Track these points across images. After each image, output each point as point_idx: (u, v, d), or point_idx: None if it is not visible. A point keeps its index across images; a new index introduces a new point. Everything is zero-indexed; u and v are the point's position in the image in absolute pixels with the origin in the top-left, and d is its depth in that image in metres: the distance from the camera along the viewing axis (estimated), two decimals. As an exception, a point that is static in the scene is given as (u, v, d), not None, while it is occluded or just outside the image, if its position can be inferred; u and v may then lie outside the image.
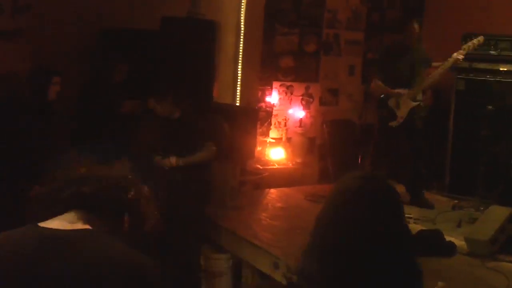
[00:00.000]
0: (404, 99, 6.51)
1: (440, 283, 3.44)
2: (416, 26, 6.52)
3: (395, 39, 7.45)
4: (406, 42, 6.61)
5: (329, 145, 8.35)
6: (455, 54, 6.41)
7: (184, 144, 5.34)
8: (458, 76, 7.14)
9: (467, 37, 7.20)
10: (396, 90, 6.52)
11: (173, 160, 5.28)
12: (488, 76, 6.96)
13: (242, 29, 7.49)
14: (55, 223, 1.67)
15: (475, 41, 6.45)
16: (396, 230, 1.61)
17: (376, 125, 7.10)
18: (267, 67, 7.93)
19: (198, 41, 6.26)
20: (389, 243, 1.58)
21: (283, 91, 8.13)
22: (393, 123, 6.59)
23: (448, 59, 6.47)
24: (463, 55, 6.40)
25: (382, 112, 6.74)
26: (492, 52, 6.99)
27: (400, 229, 1.62)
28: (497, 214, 5.35)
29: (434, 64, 6.66)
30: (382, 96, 6.69)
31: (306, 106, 8.34)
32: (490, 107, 6.31)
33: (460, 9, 8.07)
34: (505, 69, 6.94)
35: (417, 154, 6.68)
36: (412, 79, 6.52)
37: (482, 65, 6.92)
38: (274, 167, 7.69)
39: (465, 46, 6.43)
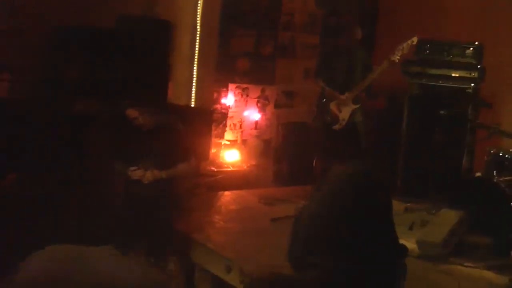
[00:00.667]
0: (345, 102, 6.66)
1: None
2: (358, 31, 6.66)
3: (335, 43, 7.58)
4: (346, 46, 6.77)
5: (284, 148, 8.35)
6: (390, 56, 6.58)
7: (161, 156, 5.19)
8: (412, 81, 7.22)
9: (420, 44, 7.32)
10: (342, 97, 6.68)
11: (156, 173, 5.12)
12: (440, 82, 7.07)
13: (198, 29, 7.45)
14: None
15: (409, 42, 6.64)
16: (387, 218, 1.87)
17: (321, 130, 7.16)
18: (223, 69, 7.90)
19: (153, 41, 6.20)
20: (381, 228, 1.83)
21: (238, 93, 8.10)
22: (336, 127, 6.71)
23: (384, 61, 6.61)
24: (399, 56, 6.58)
25: (325, 116, 6.84)
26: (444, 58, 7.11)
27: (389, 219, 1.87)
28: (448, 217, 5.43)
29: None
30: (324, 100, 6.81)
31: (262, 109, 8.33)
32: (442, 112, 6.41)
33: (413, 16, 8.18)
34: (457, 75, 7.06)
35: (360, 157, 6.76)
36: (351, 82, 6.69)
37: (434, 71, 7.02)
38: (229, 169, 7.67)
39: (400, 47, 6.60)
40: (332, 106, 6.72)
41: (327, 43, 8.60)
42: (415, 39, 6.68)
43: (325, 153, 7.08)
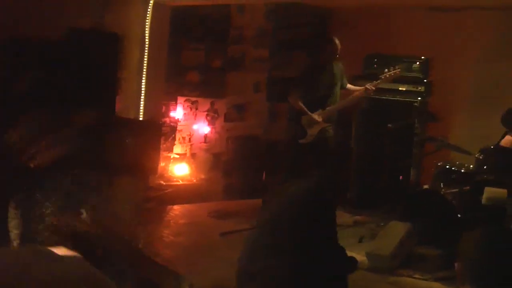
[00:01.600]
0: (317, 119, 6.59)
1: None
2: (337, 42, 6.60)
3: (315, 58, 7.52)
4: (323, 62, 6.70)
5: (234, 162, 8.33)
6: (368, 85, 6.55)
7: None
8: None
9: (368, 58, 7.42)
10: (311, 115, 6.57)
11: None
12: (387, 95, 7.15)
13: (147, 42, 7.38)
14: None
15: (391, 72, 6.57)
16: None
17: (285, 141, 7.14)
18: (172, 82, 7.84)
19: (101, 53, 6.12)
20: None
21: (188, 106, 8.05)
22: (303, 140, 6.67)
23: (361, 88, 6.62)
24: (375, 86, 6.54)
25: (293, 128, 6.80)
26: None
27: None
28: (397, 229, 5.48)
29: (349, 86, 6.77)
30: (292, 112, 6.79)
31: (211, 122, 8.29)
32: (390, 125, 6.48)
33: (361, 31, 8.27)
34: (404, 89, 7.17)
35: (327, 172, 6.74)
36: (327, 99, 6.62)
37: (382, 85, 7.10)
38: (178, 183, 7.59)
39: (381, 76, 6.58)
40: (304, 121, 6.68)
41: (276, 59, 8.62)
42: (397, 71, 6.60)
43: (285, 166, 7.07)
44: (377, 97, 7.15)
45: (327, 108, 6.58)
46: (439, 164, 6.12)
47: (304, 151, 6.74)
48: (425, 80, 7.17)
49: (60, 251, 1.60)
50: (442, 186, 5.94)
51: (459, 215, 5.47)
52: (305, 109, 6.60)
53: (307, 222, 1.91)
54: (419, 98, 7.09)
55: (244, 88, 8.62)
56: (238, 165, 8.32)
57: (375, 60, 7.42)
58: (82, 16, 6.33)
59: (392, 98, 7.18)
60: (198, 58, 8.11)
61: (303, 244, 1.88)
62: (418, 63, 7.17)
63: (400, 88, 7.13)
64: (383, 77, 6.54)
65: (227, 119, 8.47)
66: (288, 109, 7.10)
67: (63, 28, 6.06)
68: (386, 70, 6.67)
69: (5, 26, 6.02)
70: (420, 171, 7.19)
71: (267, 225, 1.93)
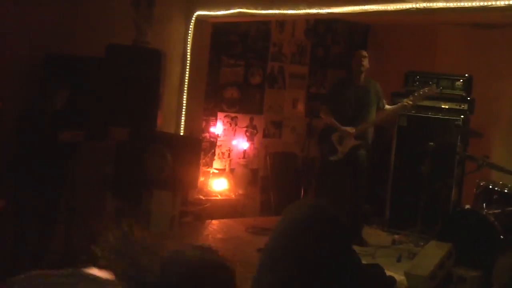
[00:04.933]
0: (348, 136, 6.55)
1: None
2: (362, 55, 6.55)
3: (344, 74, 7.48)
4: (352, 77, 6.66)
5: (272, 178, 8.34)
6: (405, 100, 6.48)
7: None
8: (401, 113, 7.22)
9: (410, 76, 7.35)
10: (344, 128, 6.52)
11: None
12: (429, 113, 7.08)
13: (188, 59, 7.47)
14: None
15: (426, 89, 6.49)
16: (343, 261, 1.57)
17: (319, 158, 7.12)
18: (212, 98, 7.91)
19: (143, 69, 6.21)
20: (337, 273, 1.54)
21: (227, 122, 8.11)
22: (333, 157, 6.62)
23: (398, 103, 6.57)
24: (412, 101, 6.44)
25: (323, 145, 6.77)
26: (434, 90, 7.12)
27: (346, 260, 1.59)
28: (436, 249, 5.41)
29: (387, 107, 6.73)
30: (323, 129, 6.76)
31: (250, 138, 8.33)
32: (431, 143, 6.41)
33: (403, 48, 8.25)
34: (446, 107, 7.08)
35: (358, 192, 6.68)
36: (358, 116, 6.54)
37: (424, 102, 7.02)
38: (217, 198, 7.63)
39: (415, 93, 6.49)
40: (334, 138, 6.64)
41: (329, 75, 8.62)
42: (433, 87, 6.55)
43: (318, 182, 7.03)
44: (419, 114, 7.09)
45: (359, 126, 6.52)
46: (481, 183, 6.03)
47: (334, 168, 6.69)
48: (468, 98, 7.08)
49: (93, 271, 1.62)
50: (484, 206, 5.85)
51: (501, 237, 5.38)
52: (336, 123, 6.57)
53: (314, 251, 1.56)
54: (462, 116, 6.99)
55: (283, 105, 8.65)
56: (276, 181, 8.33)
57: (417, 77, 7.35)
58: (125, 33, 6.43)
59: (434, 116, 7.10)
60: (237, 75, 8.17)
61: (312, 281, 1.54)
62: (461, 80, 7.08)
63: (442, 106, 7.04)
64: (416, 94, 6.47)
65: (265, 135, 8.50)
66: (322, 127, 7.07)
67: (105, 44, 6.17)
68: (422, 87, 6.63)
69: (48, 42, 6.16)
70: (462, 190, 7.10)
71: (267, 260, 1.62)
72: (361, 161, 6.63)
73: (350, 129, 6.50)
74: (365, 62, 6.51)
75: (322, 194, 6.97)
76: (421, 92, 6.46)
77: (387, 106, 6.70)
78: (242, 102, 8.23)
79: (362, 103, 6.54)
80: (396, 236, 6.80)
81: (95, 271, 1.59)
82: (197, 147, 7.04)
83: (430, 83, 6.64)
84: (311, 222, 1.60)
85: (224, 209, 7.48)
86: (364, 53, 6.59)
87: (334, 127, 6.60)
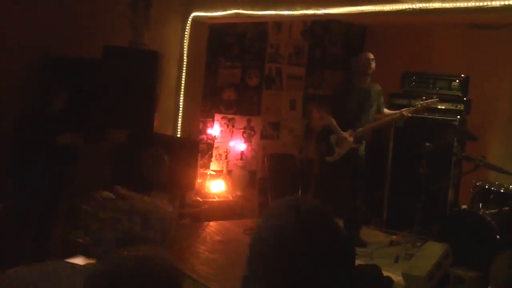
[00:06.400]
0: (347, 139, 6.56)
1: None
2: (367, 58, 6.56)
3: (341, 75, 7.51)
4: (356, 80, 6.69)
5: (270, 179, 8.33)
6: (404, 110, 6.50)
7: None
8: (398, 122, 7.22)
9: (406, 76, 7.37)
10: (343, 134, 6.55)
11: None
12: (426, 114, 7.09)
13: (185, 61, 7.48)
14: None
15: (428, 101, 6.52)
16: (336, 261, 1.53)
17: (318, 159, 7.14)
18: (209, 100, 7.91)
19: (140, 71, 6.21)
20: (331, 273, 1.50)
21: (224, 123, 8.11)
22: (329, 159, 6.66)
23: (397, 112, 6.58)
24: (412, 113, 6.48)
25: (321, 146, 6.79)
26: (430, 90, 7.13)
27: (340, 260, 1.54)
28: (433, 250, 5.42)
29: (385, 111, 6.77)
30: (322, 130, 6.77)
31: (248, 139, 8.33)
32: (428, 144, 6.41)
33: (400, 48, 8.25)
34: (443, 107, 7.08)
35: (355, 193, 6.70)
36: (358, 119, 6.57)
37: (420, 103, 7.04)
38: (214, 199, 7.63)
39: (417, 103, 6.53)
40: (333, 139, 6.66)
41: (314, 76, 8.66)
42: (435, 100, 6.55)
43: (317, 183, 7.05)
44: (415, 115, 7.09)
45: (358, 130, 6.54)
46: (477, 184, 6.03)
47: (332, 168, 6.74)
48: (464, 98, 7.09)
49: (79, 260, 1.64)
50: (481, 206, 5.85)
51: (497, 236, 5.39)
52: (337, 126, 6.59)
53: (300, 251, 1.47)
54: (458, 117, 7.01)
55: (280, 106, 8.65)
56: (274, 182, 8.33)
57: (413, 77, 7.36)
58: (121, 35, 6.44)
59: (430, 117, 7.10)
60: (235, 76, 8.17)
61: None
62: (457, 81, 7.08)
63: (439, 107, 7.04)
64: (419, 105, 6.49)
65: (263, 136, 8.50)
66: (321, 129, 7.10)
67: (101, 46, 6.18)
68: (424, 98, 6.62)
69: (43, 45, 6.16)
70: (458, 191, 7.10)
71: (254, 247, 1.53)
72: (360, 162, 6.67)
73: (349, 135, 6.53)
74: (373, 65, 6.55)
75: (322, 195, 6.99)
76: (424, 104, 6.50)
77: (386, 111, 6.73)
78: (240, 104, 8.23)
79: (363, 107, 6.58)
80: (394, 237, 6.81)
81: (77, 260, 1.61)
82: (195, 149, 7.05)
83: (435, 97, 6.61)
84: (295, 227, 1.49)
85: (222, 211, 7.47)
86: (372, 55, 6.60)
87: (334, 130, 6.62)
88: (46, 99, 5.58)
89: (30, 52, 6.13)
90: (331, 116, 6.66)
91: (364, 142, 6.71)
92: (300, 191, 7.78)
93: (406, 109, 6.52)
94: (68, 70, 5.95)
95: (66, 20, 6.42)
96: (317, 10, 5.92)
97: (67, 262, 1.44)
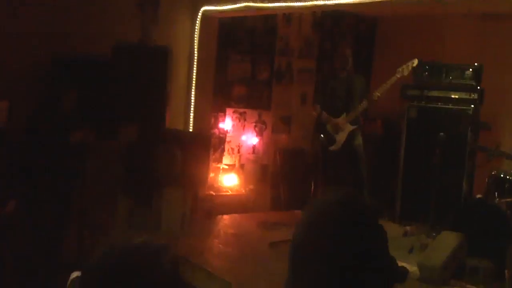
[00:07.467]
0: (342, 124, 6.67)
1: None
2: (346, 53, 6.77)
3: (332, 69, 7.62)
4: (340, 69, 6.83)
5: (281, 173, 8.32)
6: (391, 79, 6.60)
7: None
8: (410, 104, 7.19)
9: (419, 66, 7.31)
10: (336, 120, 6.71)
11: None
12: (439, 104, 7.02)
13: (196, 55, 7.47)
14: None
15: (409, 63, 6.62)
16: (378, 255, 1.53)
17: (319, 152, 7.12)
18: (220, 94, 7.90)
19: (150, 67, 6.21)
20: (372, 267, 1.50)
21: (236, 117, 8.09)
22: (333, 148, 6.70)
23: (383, 84, 6.63)
24: (398, 76, 6.58)
25: (321, 137, 6.81)
26: (443, 80, 7.08)
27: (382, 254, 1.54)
28: (448, 240, 5.37)
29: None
30: (320, 123, 6.83)
31: (259, 133, 8.32)
32: (441, 134, 6.36)
33: (411, 38, 8.20)
34: (456, 97, 7.02)
35: (359, 181, 6.72)
36: (349, 104, 6.71)
37: (433, 93, 6.98)
38: (227, 193, 7.63)
39: (399, 69, 6.61)
40: (329, 128, 6.73)
41: (324, 69, 8.67)
42: (415, 61, 6.65)
43: (324, 176, 7.04)
44: (428, 105, 7.05)
45: (351, 112, 6.69)
46: (492, 173, 5.98)
47: (335, 159, 6.79)
48: (478, 87, 7.02)
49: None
50: (496, 195, 5.81)
51: (513, 225, 5.35)
52: (328, 116, 6.75)
53: (349, 245, 1.47)
54: (472, 106, 6.93)
55: (291, 100, 8.62)
56: (286, 176, 8.32)
57: (426, 67, 7.29)
58: (130, 32, 6.43)
59: (443, 106, 7.03)
60: (245, 70, 8.15)
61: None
62: (471, 70, 7.01)
63: (452, 96, 6.97)
64: (401, 69, 6.59)
65: (274, 130, 8.48)
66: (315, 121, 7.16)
67: (111, 43, 6.17)
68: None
69: (53, 45, 6.17)
70: (473, 181, 7.05)
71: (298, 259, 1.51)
72: (359, 150, 6.77)
73: (342, 119, 6.69)
74: (351, 60, 6.75)
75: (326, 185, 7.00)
76: (404, 67, 6.60)
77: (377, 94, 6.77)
78: (250, 98, 8.21)
79: (351, 92, 6.72)
80: (408, 228, 6.77)
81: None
82: (207, 144, 7.05)
83: (413, 62, 6.67)
84: (341, 214, 1.51)
85: (235, 205, 7.47)
86: (349, 52, 6.81)
87: (326, 120, 6.78)
88: (58, 99, 5.60)
89: (41, 52, 6.14)
90: (320, 110, 6.83)
91: (359, 130, 6.81)
92: (312, 185, 7.76)
93: (393, 77, 6.59)
94: (79, 69, 5.95)
95: (76, 19, 6.42)
96: (327, 0, 5.89)
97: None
